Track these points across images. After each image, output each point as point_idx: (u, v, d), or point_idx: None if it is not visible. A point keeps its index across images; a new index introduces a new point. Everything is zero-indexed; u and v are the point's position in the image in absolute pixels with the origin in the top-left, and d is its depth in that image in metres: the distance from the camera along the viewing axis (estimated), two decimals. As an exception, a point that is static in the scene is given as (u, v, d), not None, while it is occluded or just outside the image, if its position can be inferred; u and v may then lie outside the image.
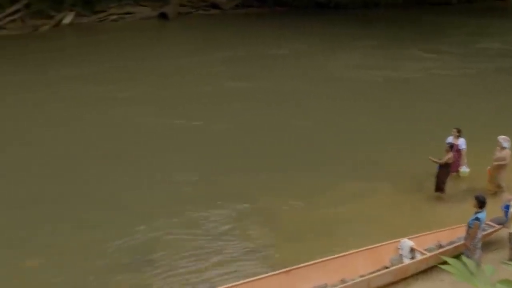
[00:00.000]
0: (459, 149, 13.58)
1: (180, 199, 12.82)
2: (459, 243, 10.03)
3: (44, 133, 16.65)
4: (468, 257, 8.59)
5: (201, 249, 10.90)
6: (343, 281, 9.33)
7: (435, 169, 12.93)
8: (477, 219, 9.41)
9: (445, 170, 12.88)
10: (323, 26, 32.64)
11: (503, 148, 12.98)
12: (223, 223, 11.86)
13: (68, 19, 31.42)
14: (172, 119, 17.69)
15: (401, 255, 10.19)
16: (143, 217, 11.98)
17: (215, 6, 36.01)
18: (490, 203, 9.95)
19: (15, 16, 30.52)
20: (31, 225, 11.72)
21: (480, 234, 9.51)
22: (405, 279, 9.78)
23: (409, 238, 10.34)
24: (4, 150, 15.36)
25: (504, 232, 10.67)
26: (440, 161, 12.83)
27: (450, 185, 13.06)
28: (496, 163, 12.99)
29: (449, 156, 12.86)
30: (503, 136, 13.10)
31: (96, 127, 17.12)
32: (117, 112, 18.24)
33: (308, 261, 9.54)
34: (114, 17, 32.88)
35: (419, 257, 10.02)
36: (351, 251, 9.94)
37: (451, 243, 10.37)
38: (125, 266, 10.35)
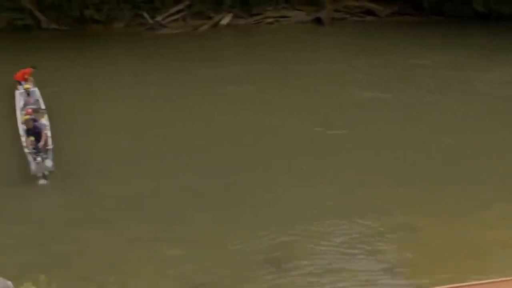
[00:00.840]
0: None
1: (317, 207, 12.78)
2: None
3: (188, 127, 17.42)
4: None
5: (334, 262, 10.79)
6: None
7: None
8: None
9: None
10: (478, 37, 31.06)
11: None
12: (359, 237, 11.63)
13: (226, 20, 32.54)
14: (311, 125, 17.68)
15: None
16: (280, 220, 12.12)
17: (370, 12, 35.53)
18: None
19: (178, 16, 32.27)
20: (172, 217, 12.31)
21: None
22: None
23: None
24: (163, 144, 16.25)
25: None
26: None
27: None
28: None
29: None
30: None
31: (238, 127, 17.52)
32: (258, 114, 18.59)
33: (450, 283, 9.10)
34: (270, 20, 33.51)
35: None
36: (502, 279, 9.30)
37: None
38: (257, 265, 10.54)
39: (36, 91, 18.43)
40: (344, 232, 11.84)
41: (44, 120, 15.97)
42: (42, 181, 14.09)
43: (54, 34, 30.74)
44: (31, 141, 14.23)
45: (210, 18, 32.56)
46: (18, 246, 11.15)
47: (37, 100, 17.79)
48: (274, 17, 33.64)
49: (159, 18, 31.74)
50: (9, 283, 4.73)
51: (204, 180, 13.97)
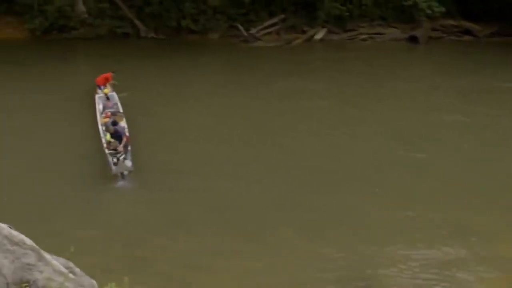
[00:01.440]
0: None
1: (402, 230, 12.51)
2: None
3: (272, 138, 17.47)
4: None
5: None
6: None
7: None
8: None
9: None
10: None
11: None
12: (442, 263, 11.33)
13: (319, 35, 32.57)
14: (394, 147, 17.28)
15: None
16: (365, 240, 11.94)
17: (468, 32, 34.59)
18: None
19: (272, 29, 32.64)
20: (254, 228, 12.33)
21: None
22: None
23: None
24: (247, 153, 16.39)
25: None
26: None
27: None
28: None
29: None
30: None
31: (321, 142, 17.39)
32: (343, 130, 18.42)
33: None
34: (364, 36, 33.27)
35: None
36: None
37: None
38: (341, 285, 10.42)
39: (115, 95, 19.15)
40: (428, 257, 11.52)
41: (123, 123, 16.61)
42: (121, 183, 14.68)
43: (151, 42, 31.80)
44: (112, 142, 14.96)
45: (304, 32, 32.73)
46: (102, 248, 11.49)
47: (116, 104, 18.52)
48: (368, 34, 33.37)
49: (253, 30, 32.20)
50: (94, 282, 4.87)
51: (288, 193, 13.94)
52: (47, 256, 4.69)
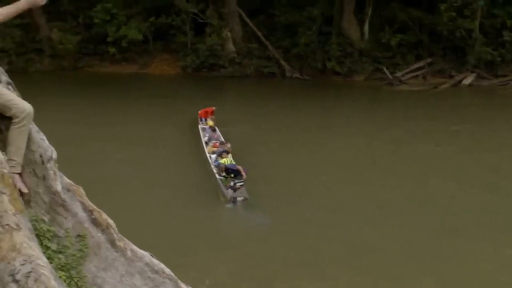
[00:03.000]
0: None
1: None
2: None
3: (400, 182, 16.88)
4: None
5: None
6: None
7: None
8: None
9: None
10: None
11: None
12: None
13: (468, 80, 31.50)
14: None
15: None
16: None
17: None
18: None
19: (418, 73, 32.08)
20: (388, 273, 11.94)
21: None
22: None
23: None
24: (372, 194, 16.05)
25: None
26: None
27: None
28: None
29: None
30: None
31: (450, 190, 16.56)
32: (485, 179, 17.41)
33: None
34: (516, 82, 31.75)
35: None
36: None
37: None
38: None
39: (216, 129, 20.33)
40: None
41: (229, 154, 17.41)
42: (229, 205, 15.20)
43: (296, 82, 32.42)
44: (226, 171, 15.78)
45: (451, 77, 31.81)
46: (235, 283, 11.60)
47: (219, 136, 19.75)
48: (521, 80, 31.78)
49: (398, 74, 31.83)
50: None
51: (427, 240, 13.37)
52: (184, 286, 4.84)
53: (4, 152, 4.28)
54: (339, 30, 33.17)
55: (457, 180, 17.28)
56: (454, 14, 30.39)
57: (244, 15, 34.30)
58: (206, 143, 19.10)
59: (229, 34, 34.04)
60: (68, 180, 4.62)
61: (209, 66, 34.41)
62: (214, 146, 18.34)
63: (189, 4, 33.98)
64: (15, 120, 4.38)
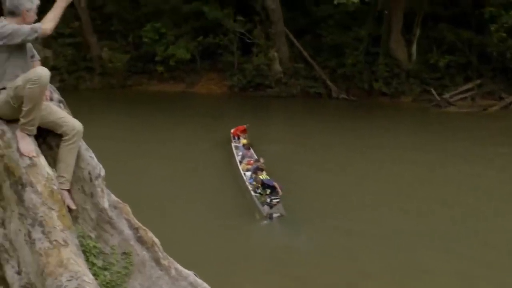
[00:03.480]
0: None
1: None
2: None
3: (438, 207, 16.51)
4: None
5: None
6: None
7: None
8: None
9: None
10: None
11: None
12: None
13: (519, 103, 30.81)
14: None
15: None
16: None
17: None
18: None
19: (466, 95, 31.49)
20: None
21: None
22: None
23: None
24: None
25: None
26: None
27: None
28: None
29: None
30: None
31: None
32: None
33: None
34: None
35: None
36: None
37: None
38: None
39: (250, 147, 20.68)
40: None
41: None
42: (266, 221, 15.27)
43: (342, 103, 32.25)
44: (263, 185, 16.06)
45: (501, 98, 31.12)
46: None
47: (253, 153, 20.08)
48: None
49: (446, 95, 31.32)
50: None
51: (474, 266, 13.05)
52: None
53: (54, 169, 4.37)
54: (386, 51, 32.91)
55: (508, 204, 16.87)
56: (504, 35, 29.82)
57: (291, 35, 34.39)
58: (240, 161, 19.41)
59: (276, 54, 34.18)
60: (115, 198, 4.69)
61: (256, 86, 34.56)
62: (248, 164, 18.75)
63: (237, 24, 34.28)
64: (65, 138, 4.48)
